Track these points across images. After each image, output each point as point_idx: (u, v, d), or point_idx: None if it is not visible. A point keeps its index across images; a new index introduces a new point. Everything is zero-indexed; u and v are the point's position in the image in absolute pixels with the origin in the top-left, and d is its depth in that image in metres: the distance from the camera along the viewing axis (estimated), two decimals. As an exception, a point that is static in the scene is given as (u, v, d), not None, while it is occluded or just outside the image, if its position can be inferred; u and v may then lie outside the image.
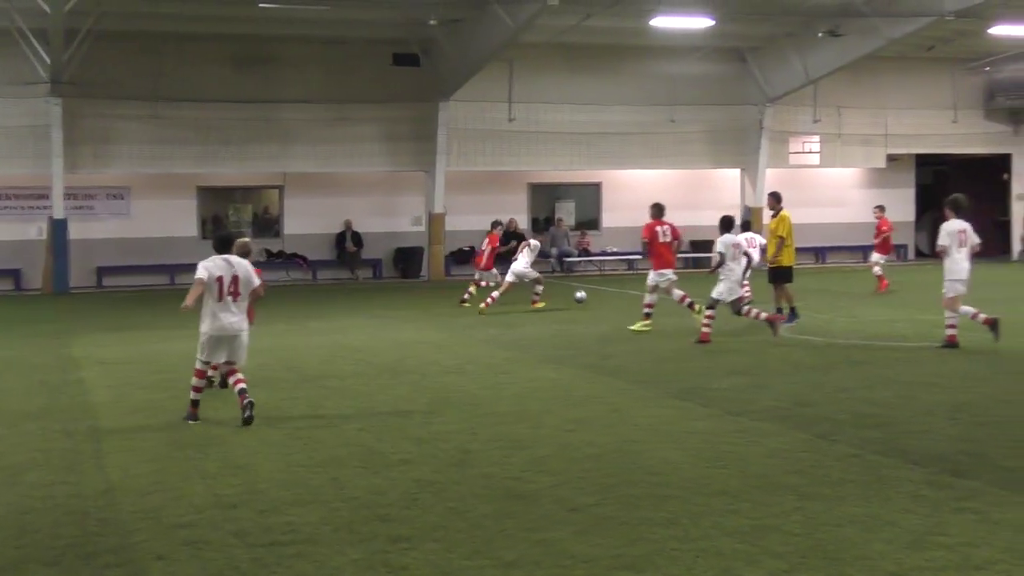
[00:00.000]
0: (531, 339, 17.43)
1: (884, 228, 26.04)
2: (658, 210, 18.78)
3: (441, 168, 32.34)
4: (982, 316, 15.86)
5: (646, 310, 18.33)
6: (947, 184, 40.82)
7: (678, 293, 18.60)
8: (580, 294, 22.83)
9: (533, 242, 22.89)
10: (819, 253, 36.72)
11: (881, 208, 26.56)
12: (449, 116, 32.20)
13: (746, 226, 25.66)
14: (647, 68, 34.23)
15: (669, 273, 18.42)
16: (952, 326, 15.67)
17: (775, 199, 19.11)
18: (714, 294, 16.91)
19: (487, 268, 23.28)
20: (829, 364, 14.22)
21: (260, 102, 31.11)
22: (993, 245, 39.13)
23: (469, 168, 33.23)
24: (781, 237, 18.72)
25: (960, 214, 16.37)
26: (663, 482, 8.26)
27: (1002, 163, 39.20)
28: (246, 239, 12.32)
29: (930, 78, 37.07)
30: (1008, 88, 37.31)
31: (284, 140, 31.60)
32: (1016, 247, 38.77)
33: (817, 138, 36.27)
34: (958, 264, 15.84)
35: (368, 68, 31.97)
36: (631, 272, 34.28)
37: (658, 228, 18.50)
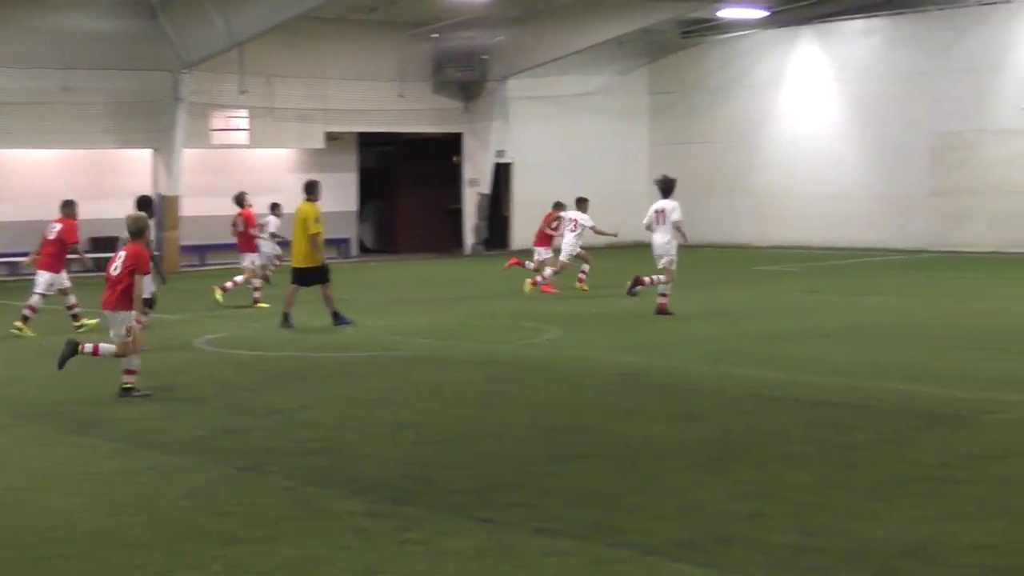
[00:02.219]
0: None
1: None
2: (69, 207, 20.10)
3: None
4: None
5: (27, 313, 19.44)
6: (394, 168, 43.03)
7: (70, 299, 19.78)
8: None
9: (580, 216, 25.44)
10: (251, 250, 37.20)
11: (559, 206, 27.15)
12: None
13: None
14: (32, 22, 33.05)
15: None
16: None
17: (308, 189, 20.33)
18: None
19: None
20: (261, 382, 14.55)
21: None
22: (446, 238, 41.74)
23: None
24: (315, 235, 19.77)
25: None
26: (58, 538, 8.11)
27: (453, 144, 41.78)
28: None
29: (374, 45, 38.72)
30: (457, 59, 39.75)
31: None
32: (468, 239, 41.37)
33: (245, 113, 36.69)
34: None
35: None
36: (13, 278, 32.95)
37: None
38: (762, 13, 39.41)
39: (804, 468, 9.58)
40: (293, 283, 20.12)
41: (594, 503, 8.65)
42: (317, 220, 19.87)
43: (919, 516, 8.16)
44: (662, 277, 20.87)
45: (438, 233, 41.69)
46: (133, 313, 13.58)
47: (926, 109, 37.85)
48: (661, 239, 20.92)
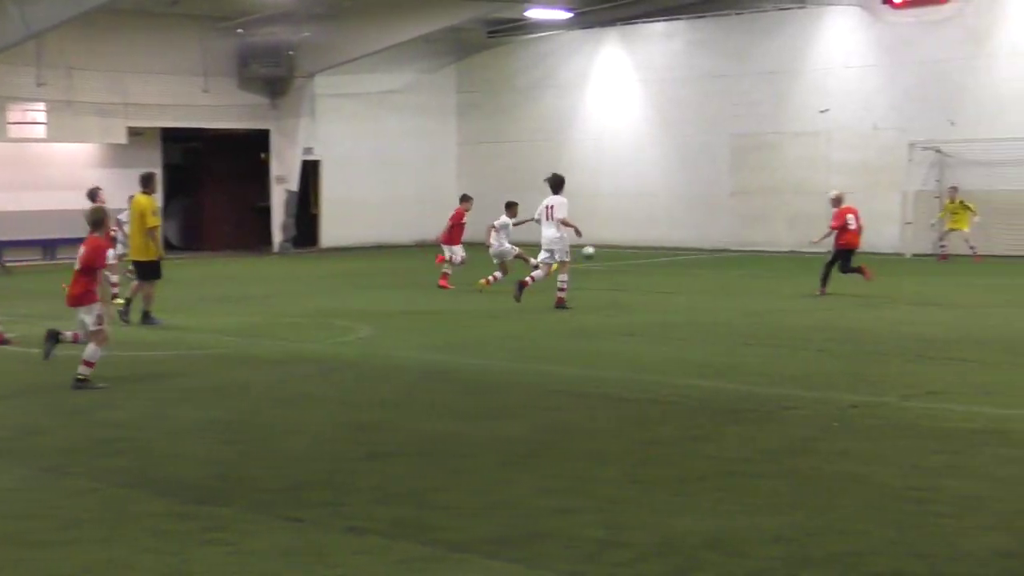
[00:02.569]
0: None
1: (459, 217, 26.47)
2: None
3: None
4: None
5: None
6: (200, 164, 42.41)
7: None
8: (589, 250, 25.38)
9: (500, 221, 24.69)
10: (48, 246, 36.25)
11: (468, 198, 27.05)
12: None
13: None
14: None
15: None
16: None
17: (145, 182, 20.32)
18: None
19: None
20: (62, 381, 14.19)
21: None
22: (254, 235, 41.24)
23: None
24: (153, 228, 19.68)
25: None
26: None
27: (260, 141, 41.31)
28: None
29: (177, 39, 38.04)
30: (263, 54, 39.29)
31: None
32: (277, 237, 40.95)
33: (43, 106, 35.72)
34: None
35: None
36: None
37: None
38: (567, 14, 39.90)
39: (610, 463, 9.74)
40: (139, 279, 20.08)
41: (403, 501, 8.66)
42: (155, 213, 19.88)
43: (722, 509, 8.37)
44: (540, 273, 21.88)
45: (246, 231, 41.18)
46: (97, 304, 13.67)
47: (726, 111, 38.79)
48: (550, 233, 21.63)
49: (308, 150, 41.08)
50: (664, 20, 40.09)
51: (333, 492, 8.92)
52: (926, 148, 34.85)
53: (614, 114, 41.50)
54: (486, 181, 43.80)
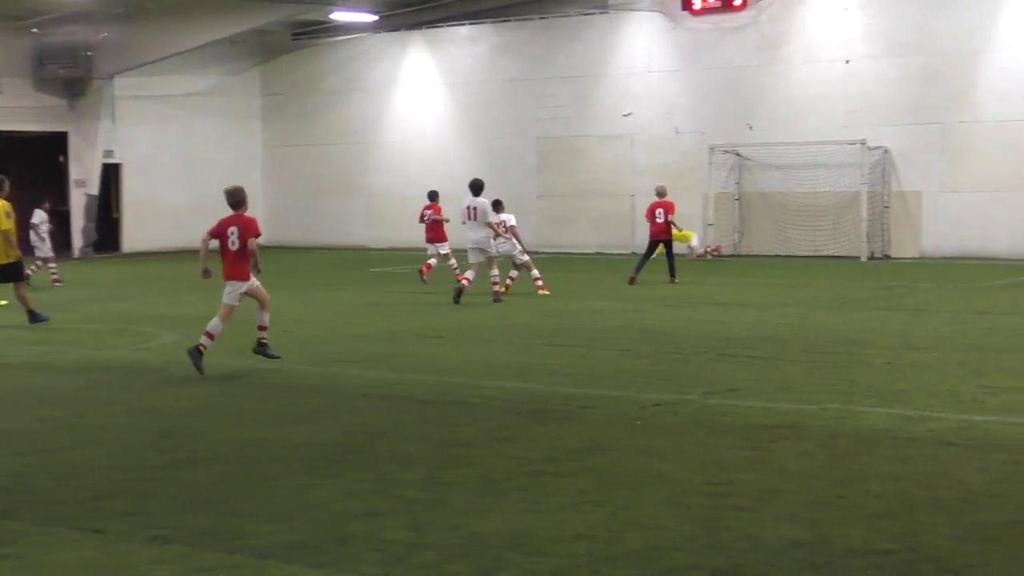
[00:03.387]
0: None
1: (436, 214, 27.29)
2: None
3: None
4: None
5: None
6: (-6, 167, 41.11)
7: None
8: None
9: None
10: None
11: (435, 195, 27.89)
12: None
13: None
14: None
15: None
16: None
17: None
18: None
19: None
20: None
21: None
22: (53, 240, 40.15)
23: None
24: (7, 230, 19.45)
25: None
26: None
27: (58, 143, 40.31)
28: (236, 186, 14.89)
29: (-31, 38, 37.03)
30: (60, 54, 38.42)
31: None
32: (77, 242, 40.03)
33: None
34: None
35: None
36: None
37: None
38: (372, 17, 39.84)
39: (416, 466, 9.74)
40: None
41: (207, 508, 8.53)
42: (8, 215, 19.70)
43: (525, 509, 8.43)
44: (471, 274, 22.84)
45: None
46: (246, 283, 14.53)
47: (532, 114, 39.21)
48: (475, 235, 22.88)
49: (108, 153, 40.26)
50: (469, 24, 40.34)
51: (135, 501, 8.73)
52: (726, 152, 35.75)
53: (421, 117, 41.58)
54: (292, 184, 43.51)
